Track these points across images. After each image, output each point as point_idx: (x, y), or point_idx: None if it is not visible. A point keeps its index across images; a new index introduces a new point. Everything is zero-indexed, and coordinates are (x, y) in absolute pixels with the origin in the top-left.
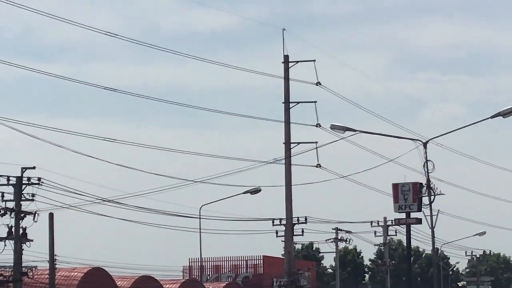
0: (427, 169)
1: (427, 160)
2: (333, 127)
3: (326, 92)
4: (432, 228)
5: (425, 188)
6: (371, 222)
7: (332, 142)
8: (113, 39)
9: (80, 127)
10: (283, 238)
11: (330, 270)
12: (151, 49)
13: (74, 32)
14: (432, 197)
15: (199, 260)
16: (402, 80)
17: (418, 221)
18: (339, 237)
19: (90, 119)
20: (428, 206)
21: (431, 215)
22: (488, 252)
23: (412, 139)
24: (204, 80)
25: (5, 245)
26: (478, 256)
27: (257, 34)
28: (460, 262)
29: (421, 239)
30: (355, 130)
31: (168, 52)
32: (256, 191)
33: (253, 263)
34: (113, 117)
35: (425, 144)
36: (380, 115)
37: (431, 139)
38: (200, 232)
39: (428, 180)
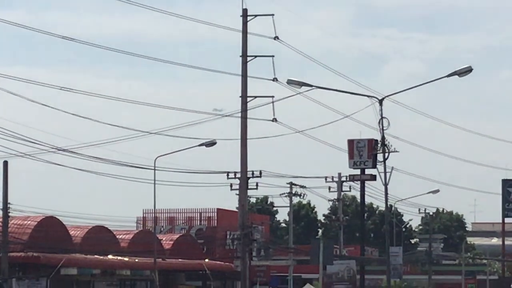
0: (382, 126)
1: (382, 117)
2: (290, 82)
3: (285, 47)
4: (386, 185)
5: (380, 145)
6: (326, 178)
7: (289, 96)
8: None
9: (36, 76)
10: (237, 192)
11: (283, 225)
12: None
13: None
14: (387, 154)
15: (153, 211)
16: (362, 37)
17: (373, 177)
18: (293, 192)
19: (47, 68)
20: (382, 163)
21: (385, 172)
22: (441, 210)
23: (368, 96)
24: (163, 32)
25: None
26: (431, 213)
27: None
28: (413, 220)
29: (375, 196)
30: (311, 86)
31: (127, 2)
32: (211, 143)
33: (207, 215)
34: (70, 67)
35: (380, 101)
36: (338, 71)
37: (386, 96)
38: (154, 183)
39: (383, 137)
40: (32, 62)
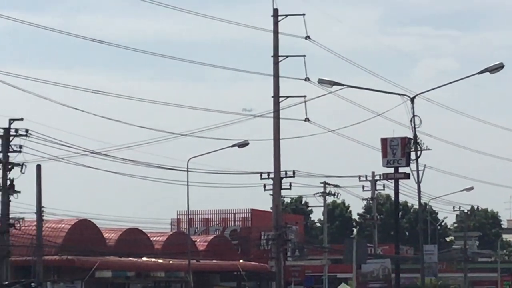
0: (414, 124)
1: (414, 115)
2: (321, 81)
3: (316, 47)
4: (419, 183)
5: (412, 143)
6: (359, 177)
7: (320, 96)
8: None
9: (68, 79)
10: (271, 192)
11: (318, 224)
12: (140, 1)
13: None
14: (419, 152)
15: (187, 213)
16: (394, 35)
17: (406, 176)
18: (327, 191)
19: (78, 71)
20: (415, 161)
21: (418, 170)
22: (476, 207)
23: (400, 94)
24: (194, 33)
25: None
26: (466, 211)
27: None
28: (448, 217)
29: (409, 194)
30: (342, 85)
31: (158, 5)
32: (244, 144)
33: (241, 216)
34: (101, 69)
35: (412, 99)
36: (370, 70)
37: (418, 94)
38: (187, 185)
39: (415, 135)
40: (64, 65)
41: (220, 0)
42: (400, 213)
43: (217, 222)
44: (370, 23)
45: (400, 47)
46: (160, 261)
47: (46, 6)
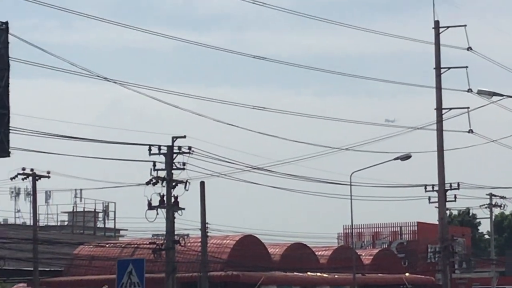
0: None
1: None
2: (480, 92)
3: (478, 58)
4: None
5: None
6: None
7: (482, 106)
8: (267, 8)
9: (236, 96)
10: (436, 204)
11: (486, 236)
12: (306, 17)
13: (229, 1)
14: None
15: (351, 227)
16: None
17: None
18: (493, 203)
19: (246, 87)
20: None
21: None
22: None
23: None
24: (357, 47)
25: (157, 213)
26: None
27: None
28: None
29: None
30: (502, 95)
31: (321, 21)
32: (406, 157)
33: (407, 229)
34: (265, 86)
35: None
36: None
37: None
38: (351, 199)
39: None
40: (232, 82)
41: (382, 13)
42: None
43: (385, 236)
44: None
45: None
46: (326, 275)
47: (212, 24)
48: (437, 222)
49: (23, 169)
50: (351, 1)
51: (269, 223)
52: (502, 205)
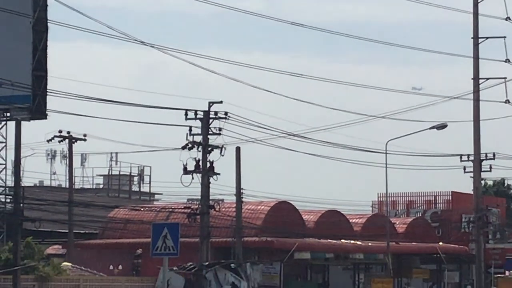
0: None
1: None
2: None
3: None
4: None
5: None
6: None
7: None
8: None
9: (271, 63)
10: (471, 174)
11: None
12: None
13: None
14: None
15: (386, 195)
16: None
17: None
18: None
19: (282, 54)
20: None
21: None
22: None
23: None
24: (394, 16)
25: (193, 178)
26: None
27: None
28: None
29: None
30: None
31: None
32: (442, 126)
33: (441, 198)
34: (304, 53)
35: None
36: None
37: None
38: (386, 167)
39: None
40: (269, 49)
41: None
42: None
43: (419, 205)
44: None
45: None
46: (359, 243)
47: None
48: (471, 192)
49: (60, 131)
50: None
51: (303, 190)
52: None
